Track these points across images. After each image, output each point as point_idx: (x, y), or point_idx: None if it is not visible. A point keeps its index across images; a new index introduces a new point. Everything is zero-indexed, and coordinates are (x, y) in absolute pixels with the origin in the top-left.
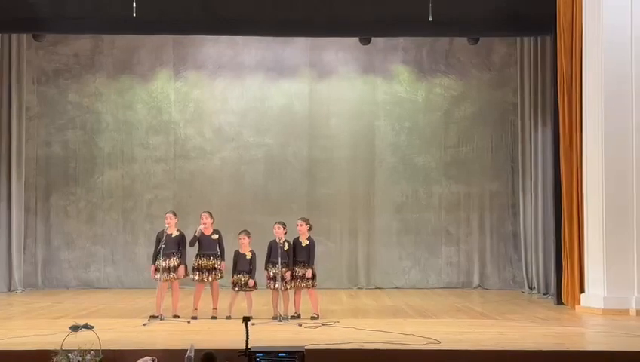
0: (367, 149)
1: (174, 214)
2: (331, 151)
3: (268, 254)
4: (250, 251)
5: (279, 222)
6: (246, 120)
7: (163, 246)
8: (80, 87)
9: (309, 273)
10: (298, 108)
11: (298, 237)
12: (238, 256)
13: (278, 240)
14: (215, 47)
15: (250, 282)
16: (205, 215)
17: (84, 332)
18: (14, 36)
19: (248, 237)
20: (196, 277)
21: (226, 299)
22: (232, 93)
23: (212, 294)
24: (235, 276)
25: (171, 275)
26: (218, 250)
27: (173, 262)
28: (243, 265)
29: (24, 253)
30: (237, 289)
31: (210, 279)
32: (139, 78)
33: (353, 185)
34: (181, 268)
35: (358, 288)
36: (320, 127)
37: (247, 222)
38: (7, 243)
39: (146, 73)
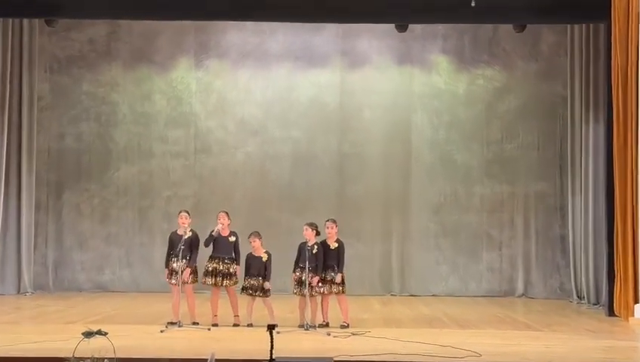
0: (403, 145)
1: (188, 213)
2: (363, 146)
3: (297, 257)
4: (266, 252)
5: (309, 224)
6: (272, 112)
7: (182, 247)
8: (95, 77)
9: (338, 277)
10: (328, 100)
11: (325, 240)
12: (251, 259)
13: (307, 243)
14: (239, 34)
15: (267, 285)
16: (223, 214)
17: (97, 338)
18: (26, 21)
19: (260, 238)
20: (209, 281)
21: (243, 304)
22: (257, 84)
23: (230, 301)
24: (247, 280)
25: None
26: (233, 253)
27: (185, 264)
28: (257, 269)
29: (34, 253)
30: (251, 293)
31: (225, 284)
32: (157, 66)
33: (387, 183)
34: (187, 271)
35: (392, 295)
36: (351, 120)
37: (272, 222)
38: (17, 242)
39: (165, 62)
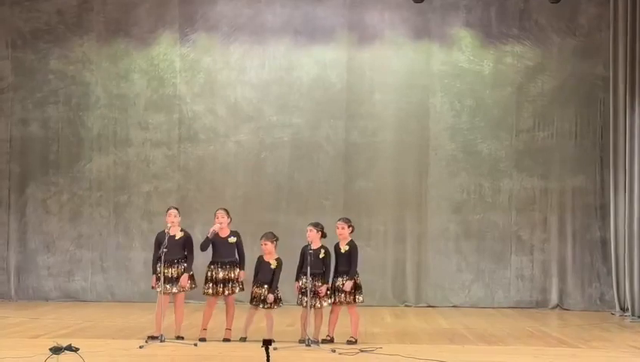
0: (419, 133)
1: (178, 211)
2: (374, 134)
3: (300, 263)
4: (277, 259)
5: (314, 224)
6: (268, 95)
7: (165, 250)
8: (64, 53)
9: (348, 285)
10: (333, 81)
11: (338, 243)
12: (261, 264)
13: (310, 245)
14: (231, 4)
15: (270, 297)
16: (221, 212)
17: (67, 355)
18: None
19: (272, 241)
20: (210, 291)
21: (242, 316)
22: (251, 62)
23: (226, 311)
24: (255, 288)
25: (175, 287)
26: (237, 256)
27: (177, 270)
28: (265, 276)
29: None
30: (255, 304)
31: (226, 292)
32: (136, 41)
33: (401, 177)
34: (184, 278)
35: (406, 306)
36: (360, 104)
37: (268, 222)
38: None
39: (145, 36)
